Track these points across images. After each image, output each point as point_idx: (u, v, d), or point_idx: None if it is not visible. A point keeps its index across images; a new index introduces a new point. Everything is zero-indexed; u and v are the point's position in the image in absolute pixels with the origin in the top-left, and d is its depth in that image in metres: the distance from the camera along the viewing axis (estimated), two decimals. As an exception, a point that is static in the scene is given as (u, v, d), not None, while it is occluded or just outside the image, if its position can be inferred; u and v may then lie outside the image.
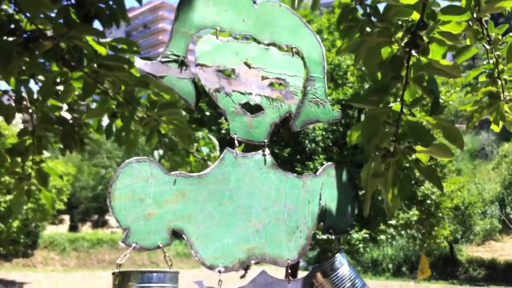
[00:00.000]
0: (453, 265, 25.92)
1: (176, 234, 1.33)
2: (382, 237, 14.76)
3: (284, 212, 1.48)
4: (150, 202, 1.28)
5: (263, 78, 1.48)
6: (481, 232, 28.52)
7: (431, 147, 2.03)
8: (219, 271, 1.35)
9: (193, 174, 1.38)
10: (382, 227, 14.36)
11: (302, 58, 1.54)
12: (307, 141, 13.57)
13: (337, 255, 1.53)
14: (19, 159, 3.51)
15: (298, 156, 13.54)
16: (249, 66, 1.46)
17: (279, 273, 1.76)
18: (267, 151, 1.48)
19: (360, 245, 13.21)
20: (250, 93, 1.46)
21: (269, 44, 1.50)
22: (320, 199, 1.54)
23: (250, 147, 1.46)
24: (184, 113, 3.29)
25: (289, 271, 1.49)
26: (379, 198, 13.66)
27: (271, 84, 1.49)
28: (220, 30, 1.42)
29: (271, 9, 1.50)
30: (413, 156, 2.08)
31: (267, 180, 1.47)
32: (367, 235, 13.25)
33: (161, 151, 3.51)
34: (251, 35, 1.49)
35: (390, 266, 27.76)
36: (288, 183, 1.50)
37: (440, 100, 13.76)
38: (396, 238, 17.71)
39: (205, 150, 3.64)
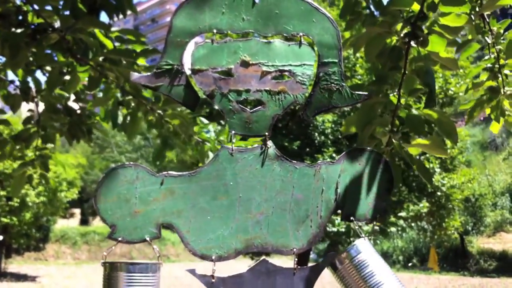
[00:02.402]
0: (463, 257, 25.81)
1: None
2: (393, 229, 14.75)
3: (291, 202, 1.48)
4: (136, 202, 1.37)
5: (264, 72, 1.47)
6: (491, 223, 28.40)
7: (426, 142, 2.04)
8: (212, 260, 1.41)
9: (184, 173, 1.44)
10: (393, 219, 14.34)
11: (312, 44, 1.51)
12: (316, 134, 13.55)
13: (362, 239, 1.52)
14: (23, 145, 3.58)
15: (308, 149, 13.51)
16: (247, 63, 1.46)
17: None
18: (269, 143, 1.49)
19: (370, 237, 13.17)
20: (249, 90, 1.46)
21: (273, 36, 1.49)
22: (337, 187, 1.52)
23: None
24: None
25: (296, 259, 1.48)
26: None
27: (274, 78, 1.48)
28: (217, 32, 1.43)
29: (276, 0, 1.48)
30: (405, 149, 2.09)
31: (269, 172, 1.48)
32: (377, 227, 13.22)
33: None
34: (252, 31, 1.48)
35: (401, 258, 27.70)
36: (297, 173, 1.50)
37: (450, 92, 13.74)
38: (407, 230, 17.69)
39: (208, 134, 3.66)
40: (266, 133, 1.48)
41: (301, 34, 1.50)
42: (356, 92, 1.52)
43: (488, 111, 2.61)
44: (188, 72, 1.41)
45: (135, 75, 1.36)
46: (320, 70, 1.50)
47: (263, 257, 1.50)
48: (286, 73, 1.49)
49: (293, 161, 1.51)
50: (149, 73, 1.38)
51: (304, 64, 1.50)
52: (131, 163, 1.38)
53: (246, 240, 1.44)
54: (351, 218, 1.54)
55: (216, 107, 1.45)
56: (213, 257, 1.41)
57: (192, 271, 1.42)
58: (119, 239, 1.36)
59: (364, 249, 1.50)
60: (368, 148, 1.59)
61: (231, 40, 1.46)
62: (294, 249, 1.47)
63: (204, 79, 1.42)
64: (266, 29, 1.47)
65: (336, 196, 1.52)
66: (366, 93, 1.54)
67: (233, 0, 1.45)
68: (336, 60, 1.51)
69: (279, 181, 1.48)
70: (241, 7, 1.46)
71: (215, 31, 1.43)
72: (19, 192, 3.89)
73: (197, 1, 1.42)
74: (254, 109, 1.47)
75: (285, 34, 1.50)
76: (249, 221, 1.45)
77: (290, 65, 1.49)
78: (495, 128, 2.75)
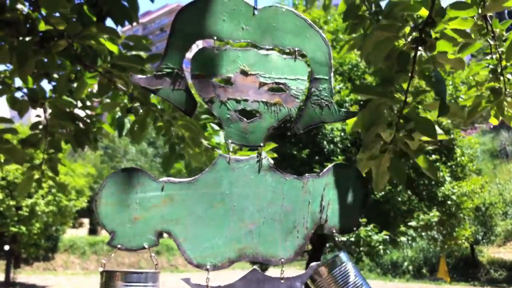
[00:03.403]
0: (474, 266, 25.65)
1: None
2: (403, 238, 14.64)
3: (281, 213, 1.52)
4: (136, 208, 1.36)
5: (261, 84, 1.50)
6: (502, 233, 28.18)
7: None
8: (207, 269, 1.42)
9: (184, 179, 1.44)
10: (402, 228, 14.25)
11: (306, 60, 1.55)
12: (325, 142, 13.50)
13: (341, 252, 1.57)
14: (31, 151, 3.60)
15: (317, 157, 13.48)
16: (246, 73, 1.48)
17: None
18: (263, 154, 1.51)
19: (380, 247, 13.09)
20: (246, 100, 1.48)
21: (270, 49, 1.52)
22: (322, 199, 1.57)
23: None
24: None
25: (284, 269, 1.51)
26: (399, 199, 13.58)
27: (270, 89, 1.51)
28: (217, 40, 1.44)
29: (273, 14, 1.52)
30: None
31: (262, 182, 1.51)
32: (387, 237, 13.13)
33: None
34: (251, 42, 1.50)
35: (410, 268, 27.55)
36: (287, 184, 1.54)
37: (461, 99, 13.67)
38: (417, 239, 17.58)
39: (217, 139, 3.64)
40: (261, 144, 1.51)
41: (296, 49, 1.54)
42: (343, 110, 1.58)
43: (493, 113, 2.62)
44: (188, 77, 1.41)
45: (135, 77, 1.36)
46: (312, 85, 1.55)
47: (254, 266, 1.55)
48: (282, 86, 1.52)
49: (284, 173, 1.54)
50: (149, 75, 1.37)
51: (298, 79, 1.54)
52: (133, 166, 1.40)
53: (239, 249, 1.46)
54: (333, 231, 1.58)
55: (215, 114, 1.46)
56: (208, 266, 1.42)
57: (187, 280, 1.42)
58: (118, 246, 1.35)
59: (343, 262, 1.55)
60: (350, 165, 1.67)
61: (231, 48, 1.48)
62: (282, 259, 1.51)
63: (203, 85, 1.43)
64: (264, 40, 1.50)
65: (320, 209, 1.57)
66: (353, 111, 1.64)
67: (233, 9, 1.46)
68: (327, 77, 1.57)
69: (271, 192, 1.51)
70: (241, 17, 1.47)
71: (215, 38, 1.44)
72: (25, 193, 3.93)
73: (199, 6, 1.42)
74: (251, 120, 1.49)
75: (281, 48, 1.53)
76: (242, 231, 1.47)
77: (286, 78, 1.53)
78: (494, 122, 2.76)
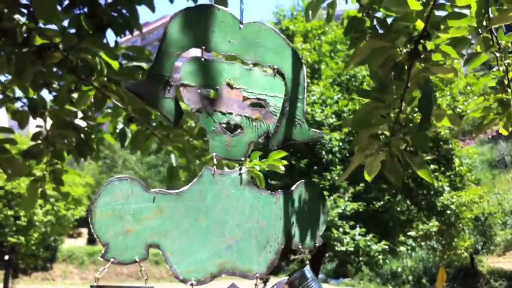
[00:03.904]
0: (474, 276, 25.55)
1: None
2: (402, 248, 14.60)
3: (257, 228, 1.53)
4: (129, 219, 1.32)
5: (244, 98, 1.51)
6: (502, 242, 28.09)
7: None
8: (191, 284, 1.39)
9: (172, 191, 1.41)
10: (402, 238, 14.21)
11: (284, 78, 1.58)
12: (323, 152, 13.50)
13: (305, 268, 1.58)
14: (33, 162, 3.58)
15: (315, 167, 13.47)
16: (231, 86, 1.49)
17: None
18: (243, 169, 1.51)
19: (380, 257, 13.05)
20: (231, 113, 1.49)
21: (252, 65, 1.53)
22: (290, 215, 1.59)
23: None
24: (187, 137, 3.32)
25: (257, 284, 1.54)
26: (398, 209, 13.56)
27: (252, 104, 1.52)
28: (205, 50, 1.44)
29: (257, 30, 1.53)
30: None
31: (242, 197, 1.51)
32: (386, 247, 13.09)
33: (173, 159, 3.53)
34: (235, 55, 1.51)
35: (410, 278, 27.44)
36: (262, 200, 1.54)
37: (458, 110, 13.69)
38: (416, 249, 17.53)
39: None
40: (242, 159, 1.51)
41: (275, 66, 1.56)
42: (312, 130, 1.62)
43: (501, 124, 2.62)
44: (177, 85, 1.40)
45: (126, 82, 1.33)
46: (287, 104, 1.58)
47: (232, 282, 1.55)
48: (262, 102, 1.54)
49: (260, 188, 1.55)
50: (140, 81, 1.36)
51: (276, 96, 1.57)
52: (127, 176, 1.34)
53: (219, 264, 1.45)
54: (299, 246, 1.61)
55: (201, 125, 1.46)
56: (192, 281, 1.40)
57: None
58: (111, 260, 1.30)
59: (307, 278, 1.56)
60: (314, 182, 1.71)
61: (218, 60, 1.48)
62: (257, 274, 1.52)
63: (191, 95, 1.42)
64: (247, 55, 1.51)
65: (290, 224, 1.59)
66: (321, 132, 1.68)
67: (222, 21, 1.47)
68: (301, 97, 1.60)
69: (248, 206, 1.52)
70: (228, 29, 1.48)
71: (203, 47, 1.44)
72: (32, 208, 3.90)
73: (191, 14, 1.42)
74: (234, 134, 1.50)
75: (262, 64, 1.55)
76: (222, 245, 1.46)
77: (266, 95, 1.55)
78: (504, 132, 2.76)
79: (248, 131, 1.52)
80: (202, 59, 1.44)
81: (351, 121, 2.27)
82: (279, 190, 1.58)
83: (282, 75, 1.57)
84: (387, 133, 2.18)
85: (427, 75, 2.14)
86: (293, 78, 1.58)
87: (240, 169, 1.51)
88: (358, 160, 2.22)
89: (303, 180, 1.66)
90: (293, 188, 1.62)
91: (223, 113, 1.47)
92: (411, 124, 2.20)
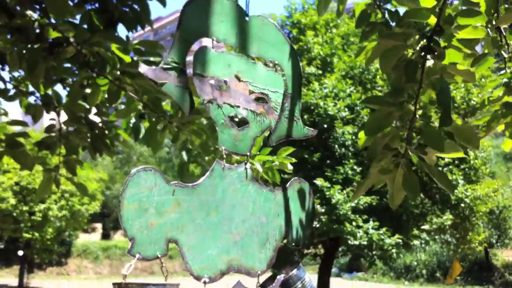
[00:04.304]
0: (488, 270, 25.44)
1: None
2: (416, 242, 14.55)
3: (258, 225, 1.51)
4: (153, 212, 1.29)
5: (250, 92, 1.49)
6: (516, 236, 27.93)
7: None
8: (204, 282, 1.37)
9: (188, 184, 1.38)
10: (416, 232, 14.16)
11: (283, 74, 1.57)
12: (336, 146, 13.47)
13: (298, 267, 1.59)
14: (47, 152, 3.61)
15: (328, 161, 13.44)
16: (239, 79, 1.47)
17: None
18: (248, 164, 1.50)
19: (393, 251, 13.02)
20: (238, 106, 1.47)
21: (256, 59, 1.52)
22: (286, 212, 1.59)
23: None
24: (205, 121, 3.30)
25: (259, 282, 1.52)
26: (412, 202, 13.49)
27: (256, 99, 1.51)
28: (215, 41, 1.43)
29: (260, 24, 1.52)
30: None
31: (246, 192, 1.49)
32: (400, 240, 13.06)
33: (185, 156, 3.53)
34: (240, 48, 1.50)
35: (424, 271, 27.38)
36: (263, 196, 1.53)
37: (472, 102, 13.58)
38: (430, 243, 17.46)
39: None
40: (248, 153, 1.50)
41: (276, 62, 1.56)
42: (306, 128, 1.62)
43: (501, 127, 2.57)
44: (190, 75, 1.39)
45: (143, 67, 1.31)
46: (286, 100, 1.57)
47: (238, 279, 1.53)
48: (265, 97, 1.53)
49: (262, 184, 1.54)
50: (156, 68, 1.34)
51: (277, 92, 1.56)
52: (151, 166, 1.30)
53: (228, 261, 1.43)
54: (293, 244, 1.61)
55: (211, 117, 1.44)
56: (205, 278, 1.37)
57: None
58: (136, 256, 1.24)
59: (300, 278, 1.58)
60: (305, 180, 1.68)
61: (226, 52, 1.46)
62: (259, 272, 1.51)
63: (203, 86, 1.41)
64: (251, 49, 1.50)
65: (286, 221, 1.59)
66: (315, 130, 1.66)
67: (230, 12, 1.45)
68: (298, 94, 1.60)
69: (252, 202, 1.50)
70: (235, 21, 1.46)
71: (214, 38, 1.42)
72: (44, 195, 3.92)
73: (202, 3, 1.40)
74: (241, 127, 1.48)
75: (264, 59, 1.54)
76: (230, 242, 1.44)
77: (268, 90, 1.54)
78: (508, 145, 2.70)
79: (253, 125, 1.50)
80: (213, 49, 1.43)
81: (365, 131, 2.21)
82: (277, 187, 1.58)
83: (282, 71, 1.56)
84: (403, 144, 2.10)
85: (442, 80, 2.08)
86: (292, 75, 1.58)
87: (246, 163, 1.49)
88: (374, 175, 2.14)
89: (296, 178, 1.65)
90: (287, 185, 1.61)
91: (231, 106, 1.45)
92: (421, 122, 2.13)
